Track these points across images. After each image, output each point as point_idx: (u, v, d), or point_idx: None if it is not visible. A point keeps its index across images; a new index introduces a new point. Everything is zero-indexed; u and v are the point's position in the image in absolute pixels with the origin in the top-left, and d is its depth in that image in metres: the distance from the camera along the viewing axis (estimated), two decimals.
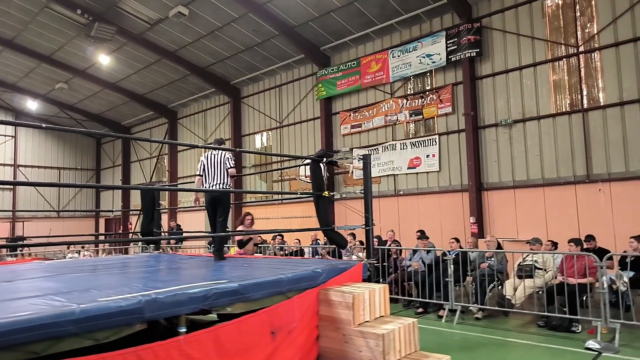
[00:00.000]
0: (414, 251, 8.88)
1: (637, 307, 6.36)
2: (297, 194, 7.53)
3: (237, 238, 7.62)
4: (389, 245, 9.80)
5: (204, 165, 5.60)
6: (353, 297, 4.17)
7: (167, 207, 19.85)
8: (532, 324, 6.89)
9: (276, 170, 16.35)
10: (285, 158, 17.23)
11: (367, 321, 4.32)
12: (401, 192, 13.45)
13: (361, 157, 5.22)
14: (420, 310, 7.89)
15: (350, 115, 14.75)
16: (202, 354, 3.26)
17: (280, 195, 14.92)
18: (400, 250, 9.53)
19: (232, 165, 5.54)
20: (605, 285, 6.10)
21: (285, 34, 14.17)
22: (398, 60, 13.33)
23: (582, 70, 10.41)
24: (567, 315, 6.39)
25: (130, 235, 17.80)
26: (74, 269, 5.30)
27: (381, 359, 3.93)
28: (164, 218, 20.01)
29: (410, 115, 13.29)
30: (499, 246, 8.58)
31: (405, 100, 13.42)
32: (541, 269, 7.26)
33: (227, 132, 18.74)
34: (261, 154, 18.40)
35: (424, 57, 12.74)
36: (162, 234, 10.14)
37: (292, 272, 4.27)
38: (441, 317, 7.34)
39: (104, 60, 17.30)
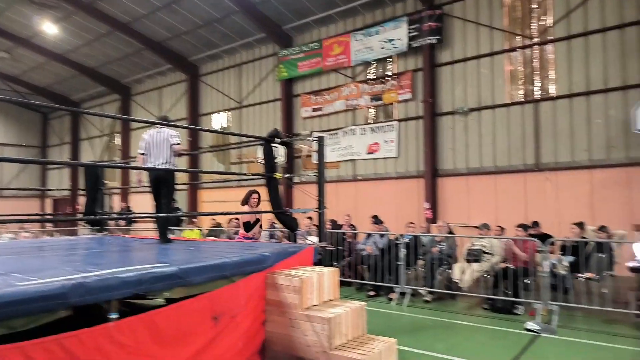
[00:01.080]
0: (368, 235, 8.93)
1: (575, 290, 6.66)
2: (247, 175, 7.29)
3: (244, 220, 6.87)
4: (345, 230, 9.81)
5: (147, 143, 5.30)
6: (301, 281, 4.10)
7: (117, 187, 19.09)
8: (478, 306, 7.10)
9: (231, 148, 15.96)
10: (244, 139, 16.89)
11: (315, 305, 4.26)
12: (359, 177, 13.49)
13: (315, 139, 5.10)
14: (372, 293, 7.96)
15: (311, 98, 14.57)
16: (136, 341, 3.09)
17: (238, 178, 14.61)
18: (355, 235, 9.56)
19: (177, 142, 5.29)
20: (547, 269, 6.34)
21: (246, 10, 13.72)
22: (360, 44, 13.22)
23: (536, 61, 10.69)
24: (510, 298, 6.63)
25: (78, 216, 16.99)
26: (4, 250, 4.94)
27: (327, 343, 3.89)
28: (116, 199, 19.27)
29: (371, 100, 13.27)
30: (451, 231, 8.77)
31: (366, 85, 13.37)
32: (489, 253, 7.47)
33: (184, 111, 18.11)
34: (212, 132, 17.79)
35: (385, 41, 12.69)
36: (112, 215, 9.69)
37: (239, 255, 4.13)
38: (392, 300, 7.44)
39: (49, 29, 16.18)
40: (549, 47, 10.53)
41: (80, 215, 10.54)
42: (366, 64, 13.38)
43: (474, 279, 7.27)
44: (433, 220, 11.28)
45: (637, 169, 9.25)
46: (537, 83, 10.67)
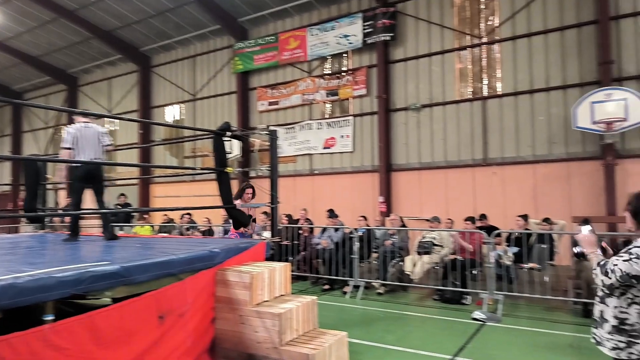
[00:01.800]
0: (324, 229, 8.98)
1: (519, 280, 7.00)
2: (195, 169, 7.11)
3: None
4: (301, 224, 9.82)
5: (75, 137, 5.06)
6: (251, 277, 4.06)
7: (62, 182, 18.15)
8: (428, 297, 7.32)
9: (184, 141, 15.53)
10: (199, 133, 16.50)
11: (266, 301, 4.24)
12: (316, 172, 13.52)
13: (267, 132, 5.04)
14: (326, 287, 8.02)
15: (267, 91, 14.43)
16: (74, 344, 2.95)
17: (192, 173, 14.27)
18: (311, 229, 9.59)
19: (109, 143, 5.23)
20: (493, 260, 6.62)
21: (201, 1, 13.36)
22: (316, 39, 13.21)
23: (484, 60, 11.08)
24: (459, 289, 6.87)
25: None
26: None
27: (277, 339, 3.88)
28: (62, 194, 18.33)
29: (327, 95, 13.31)
30: (403, 224, 8.97)
31: (322, 80, 13.39)
32: (439, 245, 7.70)
33: (134, 102, 17.44)
34: (163, 125, 17.26)
35: (341, 37, 12.75)
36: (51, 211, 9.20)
37: (186, 252, 4.03)
38: (346, 293, 7.52)
39: None
40: (496, 47, 10.95)
41: (21, 212, 9.95)
42: (322, 58, 13.41)
43: (424, 271, 7.47)
44: (387, 213, 11.49)
45: (576, 164, 9.82)
46: (485, 81, 11.07)
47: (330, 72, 13.37)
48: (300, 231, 9.31)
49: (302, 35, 13.47)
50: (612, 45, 9.45)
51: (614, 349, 2.39)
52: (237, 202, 6.21)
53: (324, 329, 4.53)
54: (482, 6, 11.10)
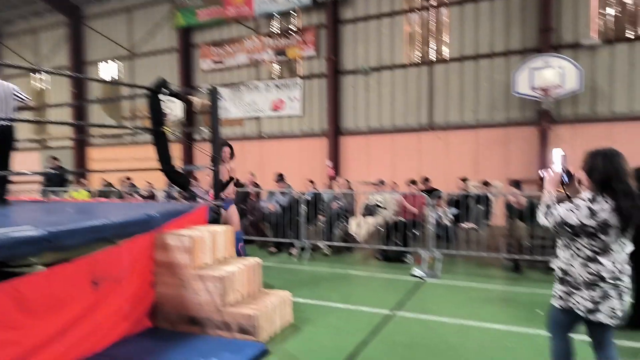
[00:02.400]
0: (271, 193, 8.91)
1: (457, 239, 7.34)
2: (129, 128, 6.71)
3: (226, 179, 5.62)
4: (248, 188, 9.67)
5: None
6: (192, 241, 3.94)
7: None
8: (372, 257, 7.53)
9: (117, 100, 14.65)
10: (138, 92, 15.59)
11: (208, 264, 4.16)
12: (264, 136, 13.28)
13: (208, 91, 4.80)
14: (273, 250, 8.04)
15: (211, 49, 13.78)
16: None
17: (126, 134, 13.56)
18: (259, 193, 9.48)
19: (24, 98, 4.84)
20: (433, 221, 6.87)
21: None
22: None
23: (432, 24, 11.12)
24: (400, 248, 7.11)
25: None
26: None
27: (219, 301, 3.84)
28: None
29: (275, 55, 12.91)
30: (350, 188, 9.07)
31: (269, 39, 12.94)
32: (383, 207, 7.88)
33: (65, 58, 16.10)
34: (93, 81, 16.08)
35: None
36: None
37: (122, 216, 3.83)
38: (292, 255, 7.58)
39: None
40: (444, 11, 11.00)
41: None
42: (270, 16, 12.90)
43: (369, 232, 7.65)
44: (335, 177, 11.57)
45: (515, 129, 10.26)
46: (433, 46, 11.16)
47: (278, 30, 12.92)
48: (248, 195, 9.18)
49: None
50: (553, 13, 9.75)
51: (557, 298, 2.53)
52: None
53: (270, 290, 4.54)
54: None
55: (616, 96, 9.50)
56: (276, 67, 13.09)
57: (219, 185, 5.03)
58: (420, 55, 11.30)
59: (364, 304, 4.95)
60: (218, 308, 3.83)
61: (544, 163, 9.70)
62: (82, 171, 14.76)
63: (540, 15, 9.83)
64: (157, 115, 4.58)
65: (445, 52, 11.00)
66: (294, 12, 12.61)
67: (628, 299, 2.43)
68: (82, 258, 3.36)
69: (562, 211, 2.40)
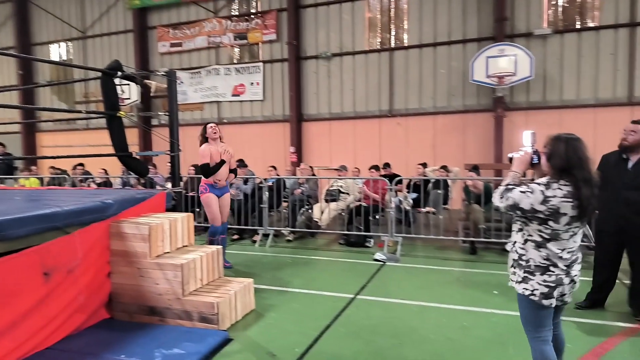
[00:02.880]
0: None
1: (417, 223, 7.52)
2: (82, 112, 6.42)
3: (202, 163, 5.39)
4: None
5: None
6: (149, 229, 3.83)
7: None
8: (335, 242, 7.60)
9: (68, 83, 13.96)
10: (91, 74, 14.88)
11: (167, 252, 4.06)
12: (225, 120, 13.03)
13: (164, 73, 4.64)
14: (235, 237, 7.96)
15: (169, 31, 13.31)
16: None
17: (79, 118, 12.96)
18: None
19: None
20: (394, 205, 7.00)
21: None
22: None
23: (392, 11, 11.19)
24: (362, 233, 7.22)
25: None
26: None
27: (179, 289, 3.77)
28: None
29: (235, 39, 12.63)
30: (313, 174, 9.08)
31: (229, 22, 12.63)
32: (345, 193, 7.95)
33: (10, 38, 15.11)
34: (42, 61, 15.28)
35: None
36: None
37: (75, 204, 3.67)
38: (255, 242, 7.54)
39: None
40: None
41: None
42: None
43: (331, 217, 7.70)
44: (298, 163, 11.55)
45: (471, 115, 10.56)
46: (393, 32, 11.24)
47: (238, 13, 12.62)
48: None
49: None
50: (507, 3, 10.02)
51: (513, 281, 2.49)
52: (205, 148, 5.39)
53: (232, 277, 4.51)
54: None
55: (565, 84, 9.94)
56: (237, 51, 12.82)
57: (177, 172, 4.90)
58: (380, 41, 11.36)
59: (326, 289, 5.00)
60: (178, 297, 3.77)
61: (499, 148, 10.05)
62: (31, 158, 14.01)
63: (495, 5, 10.09)
64: (112, 99, 4.39)
65: (405, 38, 11.12)
66: None
67: (577, 285, 2.42)
68: (32, 248, 3.20)
69: (517, 194, 2.32)
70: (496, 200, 2.43)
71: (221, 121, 13.03)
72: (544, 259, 2.33)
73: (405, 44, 11.10)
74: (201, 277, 4.04)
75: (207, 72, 12.98)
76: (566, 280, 2.35)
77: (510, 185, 2.39)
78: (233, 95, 12.85)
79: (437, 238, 6.92)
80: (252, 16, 12.40)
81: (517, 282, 2.44)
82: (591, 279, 4.26)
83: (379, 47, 11.36)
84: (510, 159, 2.52)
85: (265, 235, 7.54)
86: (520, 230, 2.43)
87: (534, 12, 10.04)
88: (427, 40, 10.86)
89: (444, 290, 4.99)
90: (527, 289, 2.37)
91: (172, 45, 13.31)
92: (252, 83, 12.61)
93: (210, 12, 12.83)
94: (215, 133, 5.50)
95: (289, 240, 7.72)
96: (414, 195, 7.74)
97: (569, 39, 9.87)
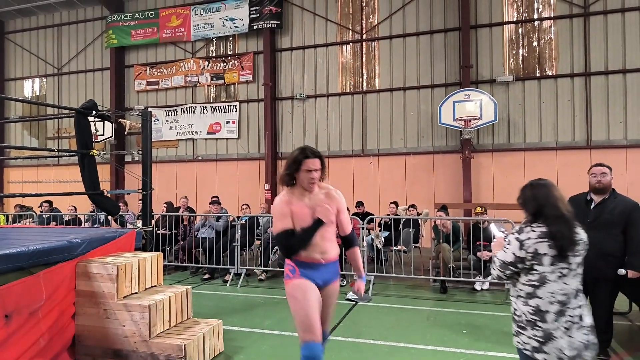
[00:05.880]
0: (206, 218, 8.73)
1: (389, 262, 7.61)
2: (54, 151, 6.39)
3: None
4: (182, 212, 9.43)
5: None
6: (117, 268, 3.80)
7: None
8: None
9: (41, 119, 13.83)
10: (64, 111, 14.78)
11: (135, 293, 4.01)
12: (200, 158, 13.07)
13: (138, 113, 4.72)
14: (207, 276, 7.85)
15: (146, 70, 13.47)
16: None
17: (52, 156, 12.78)
18: (193, 218, 9.26)
19: None
20: (366, 244, 7.09)
21: None
22: (201, 19, 12.67)
23: (364, 56, 11.71)
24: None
25: None
26: None
27: (146, 332, 3.70)
28: None
29: (212, 79, 12.89)
30: None
31: (207, 62, 12.92)
32: None
33: None
34: (12, 100, 15.15)
35: (227, 20, 12.41)
36: None
37: (41, 243, 3.62)
38: (227, 281, 7.45)
39: None
40: (375, 44, 11.63)
41: None
42: (207, 40, 12.92)
43: None
44: (272, 201, 11.60)
45: (440, 156, 10.93)
46: (365, 76, 11.72)
47: (215, 54, 12.95)
48: (181, 219, 8.94)
49: (186, 14, 12.82)
50: (472, 51, 10.65)
51: (513, 334, 2.46)
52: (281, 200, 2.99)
53: (202, 318, 4.45)
54: (363, 4, 11.68)
55: (528, 128, 10.47)
56: (213, 90, 13.05)
57: (148, 210, 4.89)
58: (353, 84, 11.81)
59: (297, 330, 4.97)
60: (144, 339, 3.70)
61: (467, 188, 10.39)
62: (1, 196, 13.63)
63: (461, 53, 10.69)
64: (85, 137, 4.42)
65: (377, 82, 11.59)
66: (232, 37, 12.73)
67: (582, 334, 2.27)
68: None
69: (501, 255, 2.39)
70: (495, 275, 2.45)
71: (196, 158, 13.06)
72: (532, 312, 2.29)
73: (377, 88, 11.57)
74: (169, 318, 3.98)
75: (183, 110, 13.11)
76: (559, 334, 2.24)
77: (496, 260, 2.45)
78: (209, 133, 12.96)
79: (409, 277, 7.00)
80: (229, 58, 12.73)
81: (514, 334, 2.42)
82: None
83: (351, 90, 11.79)
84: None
85: (237, 275, 7.47)
86: (514, 286, 2.43)
87: (496, 60, 10.69)
88: (397, 84, 11.34)
89: (414, 329, 5.03)
90: (519, 343, 2.36)
91: (149, 83, 13.45)
92: (228, 121, 12.78)
93: (188, 53, 13.11)
94: (313, 180, 2.84)
95: (261, 280, 7.66)
96: (386, 233, 7.87)
97: (529, 86, 10.50)
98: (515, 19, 10.68)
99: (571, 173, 9.27)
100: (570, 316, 2.27)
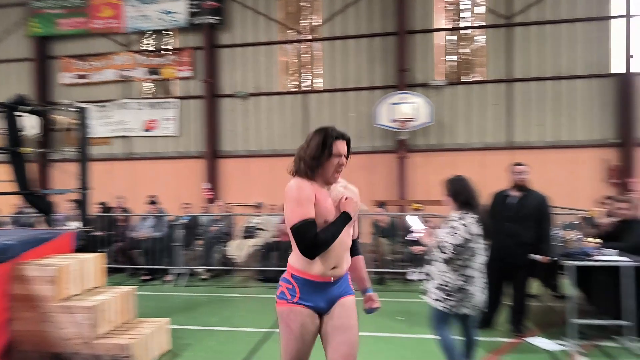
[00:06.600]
0: (144, 218, 8.49)
1: None
2: None
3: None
4: (118, 213, 9.07)
5: None
6: (56, 270, 3.67)
7: None
8: (252, 279, 7.64)
9: None
10: None
11: (76, 295, 3.89)
12: (136, 156, 12.58)
13: (77, 109, 4.55)
14: (146, 277, 7.65)
15: (74, 62, 12.72)
16: None
17: None
18: (129, 218, 8.95)
19: None
20: None
21: None
22: (135, 11, 12.19)
23: (306, 56, 11.89)
24: (279, 268, 7.35)
25: None
26: None
27: (90, 333, 3.62)
28: None
29: (148, 74, 12.44)
30: (228, 210, 9.09)
31: (142, 57, 12.45)
32: (263, 229, 8.09)
33: None
34: None
35: (163, 13, 12.05)
36: None
37: None
38: (169, 282, 7.32)
39: None
40: (317, 45, 11.86)
41: None
42: (142, 33, 12.47)
43: (249, 254, 7.76)
44: (213, 200, 11.46)
45: (379, 156, 11.37)
46: (306, 76, 11.91)
47: (151, 48, 12.52)
48: (117, 220, 8.61)
49: (118, 4, 12.26)
50: (407, 56, 11.18)
51: (435, 300, 3.20)
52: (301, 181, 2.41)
53: (146, 318, 4.38)
54: (306, 4, 11.85)
55: (458, 130, 11.20)
56: (149, 85, 12.61)
57: (86, 208, 4.73)
58: (295, 84, 11.95)
59: (242, 325, 5.04)
60: (87, 341, 3.61)
61: (402, 186, 10.91)
62: None
63: (398, 57, 11.19)
64: (14, 134, 4.19)
65: (318, 82, 11.82)
66: (170, 31, 12.38)
67: (483, 294, 3.24)
68: None
69: (450, 239, 3.08)
70: (445, 258, 3.14)
71: (132, 156, 12.56)
72: (463, 280, 3.12)
73: (318, 88, 11.79)
74: (113, 318, 3.91)
75: (116, 106, 12.54)
76: (478, 292, 3.18)
77: (439, 244, 3.17)
78: (145, 129, 12.51)
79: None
80: (167, 52, 12.36)
81: (439, 300, 3.19)
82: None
83: (293, 89, 11.91)
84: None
85: (180, 275, 7.36)
86: (447, 261, 3.15)
87: (430, 65, 11.31)
88: (338, 85, 11.62)
89: None
90: (446, 307, 3.14)
91: (79, 77, 12.70)
92: (165, 118, 12.41)
93: (123, 46, 12.55)
94: (341, 168, 2.41)
95: (204, 279, 7.60)
96: None
97: (460, 90, 11.22)
98: (446, 27, 11.36)
99: (496, 171, 10.02)
100: (483, 279, 3.22)
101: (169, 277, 7.39)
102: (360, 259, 2.53)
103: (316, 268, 2.21)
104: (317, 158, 2.26)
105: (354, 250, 2.46)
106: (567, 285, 4.67)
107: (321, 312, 2.28)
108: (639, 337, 4.15)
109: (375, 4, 11.49)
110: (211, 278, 7.69)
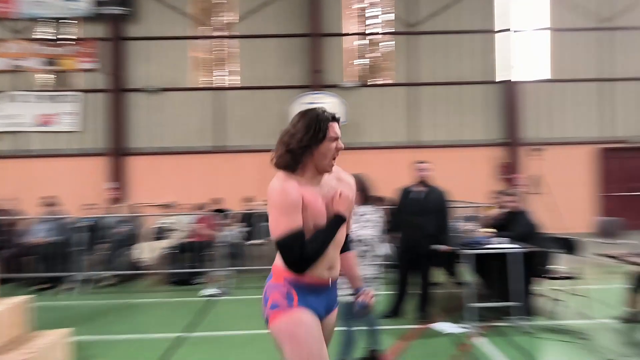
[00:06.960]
0: (39, 221, 7.76)
1: (248, 256, 7.78)
2: None
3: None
4: (7, 216, 8.20)
5: None
6: None
7: None
8: (164, 282, 7.33)
9: None
10: None
11: None
12: (31, 153, 11.45)
13: None
14: (44, 286, 7.01)
15: None
16: None
17: None
18: (20, 221, 8.13)
19: None
20: (225, 240, 7.17)
21: None
22: None
23: (220, 52, 11.66)
24: (191, 270, 7.16)
25: None
26: None
27: None
28: None
29: (44, 64, 11.37)
30: (137, 211, 8.63)
31: (38, 45, 11.35)
32: (174, 230, 7.80)
33: None
34: None
35: (64, 0, 11.09)
36: None
37: None
38: (71, 289, 6.78)
39: None
40: (234, 42, 11.67)
41: None
42: (39, 20, 11.36)
43: (160, 256, 7.44)
44: (119, 200, 10.79)
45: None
46: (221, 73, 11.71)
47: (50, 37, 11.45)
48: (4, 225, 7.77)
49: None
50: (320, 58, 11.44)
51: (349, 295, 3.15)
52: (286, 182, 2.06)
53: (44, 330, 4.03)
54: (221, 1, 11.61)
55: (365, 129, 11.71)
56: (46, 77, 11.52)
57: None
58: (208, 80, 11.68)
59: (151, 331, 4.85)
60: None
61: None
62: None
63: (312, 59, 11.41)
64: None
65: (233, 79, 11.67)
66: (73, 20, 11.41)
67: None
68: None
69: (369, 231, 3.56)
70: (366, 249, 3.53)
71: (25, 154, 11.40)
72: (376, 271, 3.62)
73: (233, 85, 11.61)
74: (4, 333, 3.55)
75: (9, 98, 11.29)
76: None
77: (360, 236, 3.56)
78: (41, 124, 11.42)
79: (266, 268, 7.28)
80: (68, 42, 11.38)
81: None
82: (393, 292, 5.12)
83: (206, 85, 11.62)
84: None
85: (84, 281, 6.85)
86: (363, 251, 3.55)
87: (341, 67, 11.70)
88: (253, 83, 11.53)
89: None
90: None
91: None
92: (65, 113, 11.43)
93: (14, 32, 11.32)
94: (338, 153, 2.02)
95: (111, 285, 7.16)
96: (244, 228, 8.04)
97: (371, 92, 11.73)
98: (356, 32, 11.83)
99: (398, 169, 10.64)
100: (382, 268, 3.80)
101: (71, 285, 6.85)
102: (352, 255, 2.28)
103: (311, 270, 1.95)
104: (307, 144, 1.92)
105: (345, 246, 2.16)
106: (466, 272, 5.12)
107: (320, 315, 2.03)
108: (526, 316, 4.67)
109: (290, 5, 11.62)
110: (118, 283, 7.26)
